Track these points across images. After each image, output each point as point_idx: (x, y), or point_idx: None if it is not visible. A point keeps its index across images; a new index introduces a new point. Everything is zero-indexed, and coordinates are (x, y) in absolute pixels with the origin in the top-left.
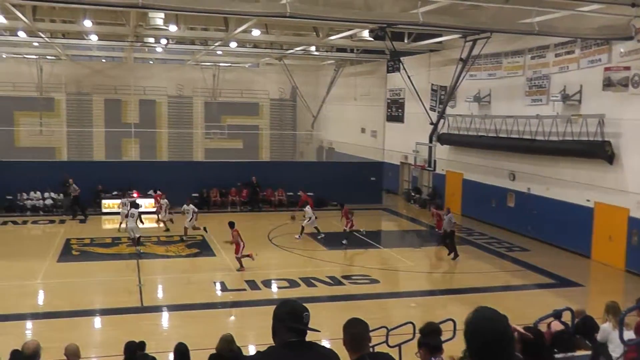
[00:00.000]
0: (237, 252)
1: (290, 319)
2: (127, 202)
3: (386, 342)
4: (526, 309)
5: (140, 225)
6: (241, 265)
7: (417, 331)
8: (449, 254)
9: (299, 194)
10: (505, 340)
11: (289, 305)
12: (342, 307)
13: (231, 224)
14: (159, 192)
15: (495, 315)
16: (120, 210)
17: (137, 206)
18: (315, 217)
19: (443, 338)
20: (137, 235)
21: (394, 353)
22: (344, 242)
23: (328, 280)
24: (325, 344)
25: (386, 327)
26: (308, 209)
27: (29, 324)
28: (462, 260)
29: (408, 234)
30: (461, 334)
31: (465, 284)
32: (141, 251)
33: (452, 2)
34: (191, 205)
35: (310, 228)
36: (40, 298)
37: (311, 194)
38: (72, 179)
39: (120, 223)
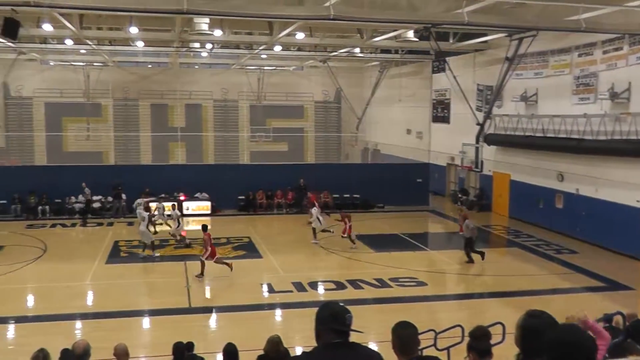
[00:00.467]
0: (208, 256)
1: (332, 321)
2: (142, 204)
3: (434, 345)
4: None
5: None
6: (201, 273)
7: (465, 334)
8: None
9: (308, 195)
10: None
11: (330, 307)
12: (389, 309)
13: (204, 227)
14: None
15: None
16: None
17: (148, 209)
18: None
19: (492, 342)
20: (149, 240)
21: (442, 356)
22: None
23: (375, 282)
24: (372, 346)
25: (434, 330)
26: (314, 210)
27: (78, 324)
28: (509, 263)
29: (455, 236)
30: (510, 337)
31: (513, 287)
32: (156, 255)
33: (497, 1)
34: (176, 211)
35: (319, 229)
36: (89, 299)
37: (357, 195)
38: (86, 183)
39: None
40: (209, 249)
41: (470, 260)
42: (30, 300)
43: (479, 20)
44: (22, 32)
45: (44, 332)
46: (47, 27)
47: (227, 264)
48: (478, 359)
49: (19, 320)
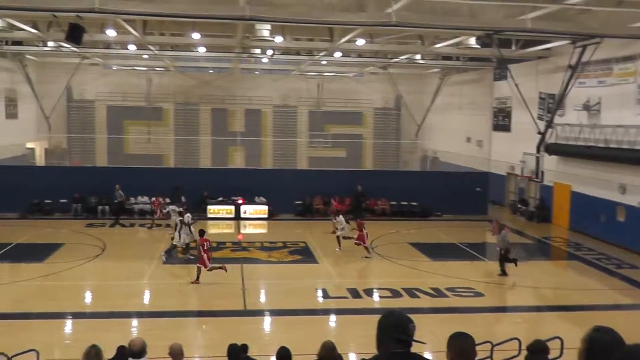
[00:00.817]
0: (200, 263)
1: (395, 330)
2: (176, 210)
3: (490, 357)
4: (637, 329)
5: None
6: (197, 278)
7: (523, 348)
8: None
9: (332, 201)
10: None
11: (394, 316)
12: (445, 319)
13: (200, 232)
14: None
15: None
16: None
17: (180, 214)
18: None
19: (550, 357)
20: (179, 244)
21: None
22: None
23: (431, 291)
24: (428, 356)
25: (490, 342)
26: (340, 218)
27: (134, 322)
28: (569, 276)
29: (513, 247)
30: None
31: (572, 301)
32: (190, 256)
33: (561, 7)
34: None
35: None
36: (146, 298)
37: (415, 203)
38: (119, 186)
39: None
40: (203, 254)
41: (504, 274)
42: (88, 297)
43: (542, 26)
44: (86, 37)
45: (100, 328)
46: (111, 33)
47: (220, 267)
48: None
49: (77, 316)
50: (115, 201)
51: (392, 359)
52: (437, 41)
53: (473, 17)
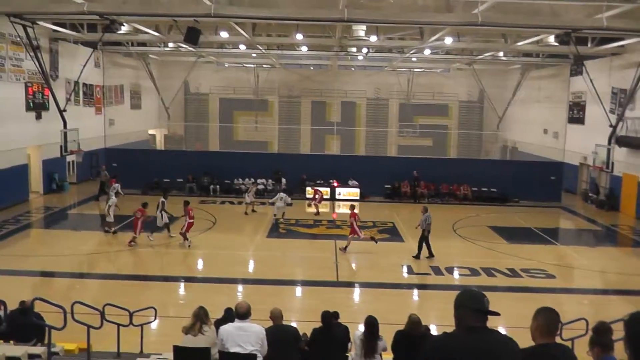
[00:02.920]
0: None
1: (472, 303)
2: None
3: (560, 335)
4: None
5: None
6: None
7: (589, 328)
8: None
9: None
10: None
11: (469, 292)
12: (519, 298)
13: (185, 202)
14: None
15: None
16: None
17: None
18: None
19: (614, 338)
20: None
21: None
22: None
23: (507, 271)
24: (501, 331)
25: (560, 321)
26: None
27: (239, 287)
28: (634, 262)
29: (584, 233)
30: None
31: (637, 286)
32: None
33: (635, 6)
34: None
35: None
36: (250, 267)
37: (494, 189)
38: (105, 167)
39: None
40: (188, 221)
41: (418, 256)
42: (200, 264)
43: (617, 25)
44: (202, 38)
45: (210, 291)
46: (224, 34)
47: (185, 237)
48: (601, 353)
49: (189, 280)
50: (100, 180)
51: (471, 333)
52: (519, 39)
53: (553, 16)
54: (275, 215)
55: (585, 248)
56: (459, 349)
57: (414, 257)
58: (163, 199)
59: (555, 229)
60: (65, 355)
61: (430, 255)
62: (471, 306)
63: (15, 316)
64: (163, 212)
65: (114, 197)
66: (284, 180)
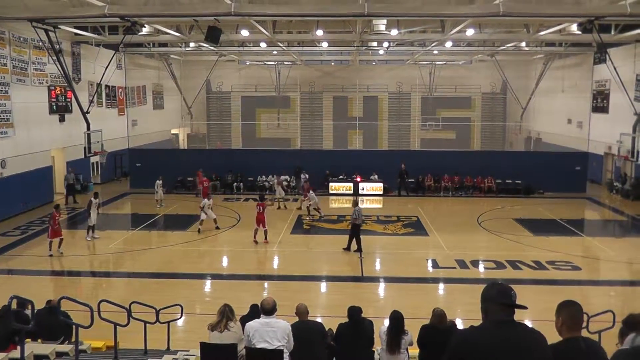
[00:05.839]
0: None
1: (500, 296)
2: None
3: (587, 328)
4: None
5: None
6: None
7: (617, 320)
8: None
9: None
10: None
11: (496, 286)
12: (545, 290)
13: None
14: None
15: None
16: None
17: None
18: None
19: None
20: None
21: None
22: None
23: (532, 264)
24: (527, 324)
25: (587, 314)
26: (312, 193)
27: (265, 284)
28: None
29: (610, 224)
30: None
31: None
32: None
33: None
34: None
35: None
36: (275, 263)
37: (519, 181)
38: (73, 169)
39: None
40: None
41: (348, 248)
42: (225, 261)
43: None
44: (223, 37)
45: (235, 288)
46: (245, 33)
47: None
48: None
49: (215, 277)
50: (67, 183)
51: (498, 326)
52: (542, 29)
53: (576, 4)
54: (319, 210)
55: (611, 239)
56: (486, 343)
57: (344, 249)
58: (92, 199)
59: (581, 220)
60: (93, 353)
61: (359, 249)
62: (498, 300)
63: (42, 315)
64: (92, 212)
65: (206, 200)
66: (302, 176)
